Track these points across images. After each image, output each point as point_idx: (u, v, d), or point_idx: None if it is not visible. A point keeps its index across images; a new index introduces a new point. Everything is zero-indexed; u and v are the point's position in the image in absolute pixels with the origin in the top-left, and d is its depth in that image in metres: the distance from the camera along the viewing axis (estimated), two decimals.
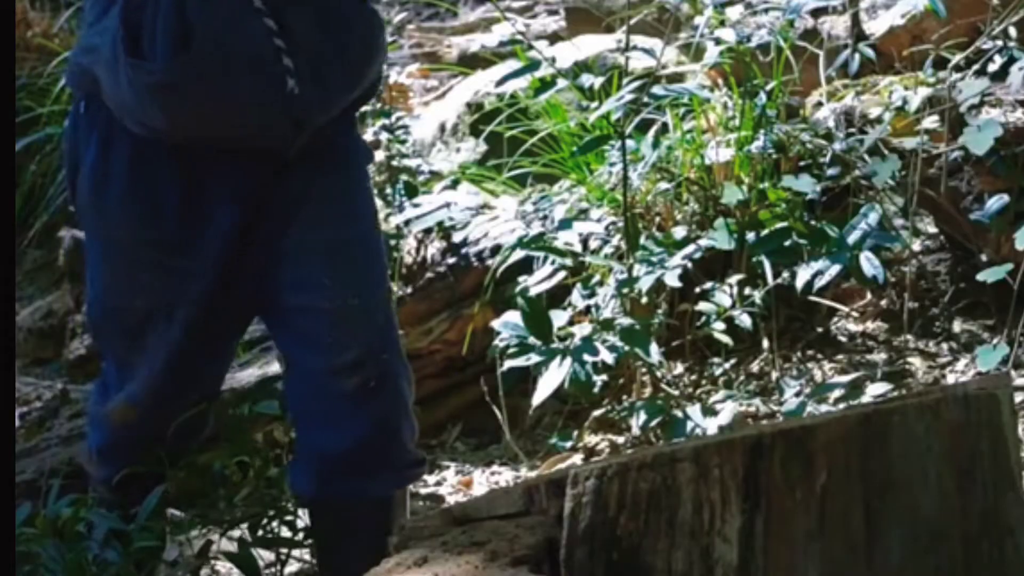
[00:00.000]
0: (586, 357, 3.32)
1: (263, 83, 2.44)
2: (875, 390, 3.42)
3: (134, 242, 2.55)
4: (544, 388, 3.31)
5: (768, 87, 3.93)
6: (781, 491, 1.55)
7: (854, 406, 1.68)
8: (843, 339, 3.91)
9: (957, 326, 3.84)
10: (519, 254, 3.73)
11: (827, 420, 1.60)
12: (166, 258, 2.54)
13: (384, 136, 4.44)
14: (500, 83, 3.87)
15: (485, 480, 3.75)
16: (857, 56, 4.11)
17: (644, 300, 3.72)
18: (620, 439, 3.65)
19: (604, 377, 3.71)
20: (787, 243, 3.64)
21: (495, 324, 3.51)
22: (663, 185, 3.95)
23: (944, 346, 3.79)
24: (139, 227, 2.53)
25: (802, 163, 3.85)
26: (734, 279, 3.64)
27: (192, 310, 2.57)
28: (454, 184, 4.45)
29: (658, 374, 3.72)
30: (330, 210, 2.61)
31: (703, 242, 3.69)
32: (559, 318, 3.46)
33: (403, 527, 1.77)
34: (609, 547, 1.54)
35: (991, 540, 1.62)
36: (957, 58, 3.80)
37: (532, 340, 3.34)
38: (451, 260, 4.08)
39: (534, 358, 3.33)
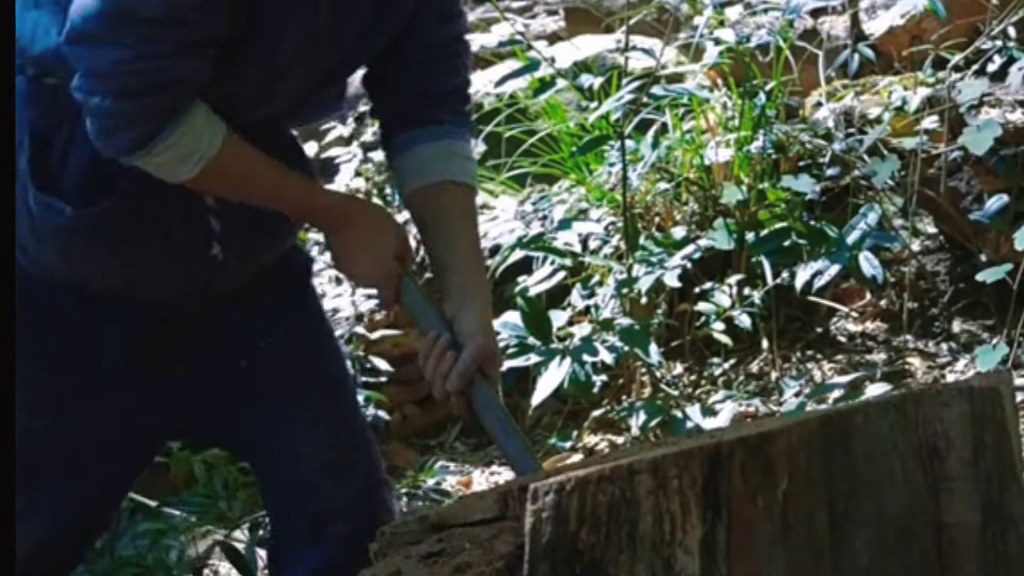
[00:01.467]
0: (585, 357, 3.32)
1: (184, 248, 2.13)
2: (875, 390, 3.42)
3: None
4: (543, 388, 3.31)
5: (767, 87, 3.93)
6: (742, 499, 1.54)
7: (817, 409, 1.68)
8: (843, 339, 3.91)
9: (956, 326, 3.84)
10: (518, 254, 3.73)
11: (787, 425, 1.58)
12: (53, 377, 2.18)
13: None
14: (499, 83, 3.87)
15: (484, 480, 3.75)
16: (856, 56, 4.11)
17: (643, 300, 3.72)
18: (620, 439, 3.65)
19: (604, 377, 3.71)
20: (786, 243, 3.64)
21: (494, 324, 3.51)
22: (662, 185, 3.95)
23: (944, 346, 3.79)
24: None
25: (801, 163, 3.85)
26: (733, 279, 3.64)
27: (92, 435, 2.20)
28: None
29: (657, 374, 3.72)
30: (289, 342, 2.27)
31: (702, 242, 3.69)
32: (558, 318, 3.46)
33: (383, 532, 1.77)
34: (571, 561, 1.53)
35: (995, 531, 1.62)
36: (956, 58, 3.80)
37: (532, 340, 3.34)
38: None
39: (533, 358, 3.33)
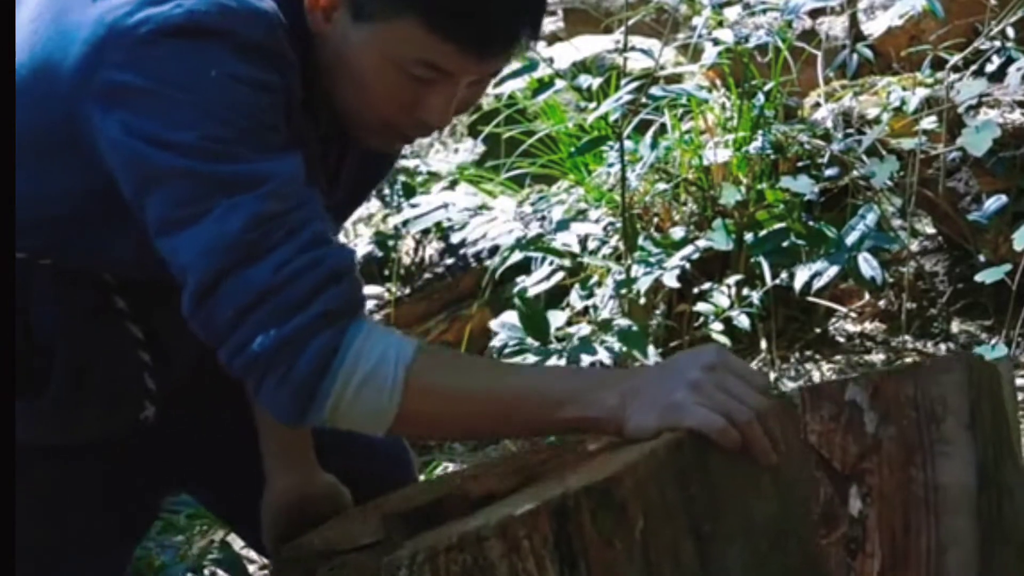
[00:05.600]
0: (584, 358, 3.32)
1: (116, 413, 1.95)
2: None
3: None
4: None
5: (766, 88, 3.93)
6: (599, 547, 1.50)
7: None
8: (841, 340, 3.91)
9: (955, 326, 3.84)
10: (517, 255, 3.73)
11: (633, 462, 1.54)
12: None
13: None
14: (498, 83, 3.87)
15: None
16: (855, 57, 4.11)
17: (642, 301, 3.72)
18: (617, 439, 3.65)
19: None
20: (785, 244, 3.64)
21: (493, 325, 3.51)
22: (661, 186, 3.95)
23: (942, 347, 3.79)
24: None
25: (800, 164, 3.85)
26: (732, 280, 3.64)
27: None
28: (452, 185, 4.46)
29: None
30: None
31: (701, 243, 3.70)
32: (557, 319, 3.46)
33: (280, 555, 1.76)
34: None
35: (990, 496, 1.62)
36: (955, 59, 3.80)
37: (530, 341, 3.34)
38: (449, 261, 4.08)
39: (532, 358, 3.32)
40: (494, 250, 3.97)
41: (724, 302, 3.59)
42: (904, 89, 3.82)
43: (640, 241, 3.71)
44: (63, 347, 1.80)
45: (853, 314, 3.97)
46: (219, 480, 2.22)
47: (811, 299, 3.78)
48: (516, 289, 3.69)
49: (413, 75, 1.73)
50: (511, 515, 1.50)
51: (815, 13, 4.40)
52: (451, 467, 3.83)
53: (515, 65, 3.85)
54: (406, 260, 4.10)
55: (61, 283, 1.81)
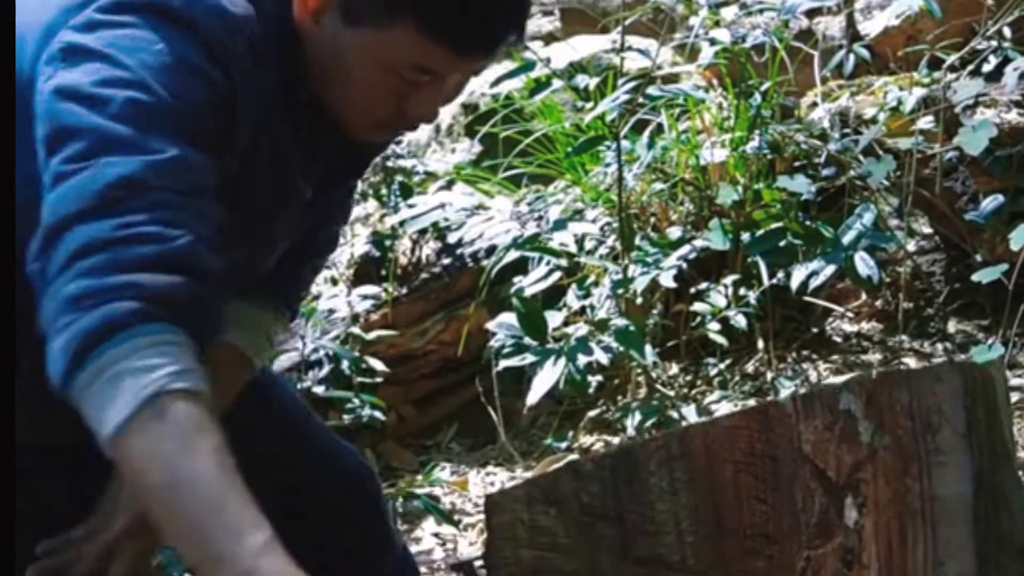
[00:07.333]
0: (581, 358, 3.32)
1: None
2: None
3: None
4: (539, 388, 3.31)
5: (763, 88, 3.93)
6: None
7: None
8: (838, 339, 3.91)
9: (952, 326, 3.84)
10: (514, 255, 3.73)
11: None
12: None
13: None
14: (495, 84, 3.87)
15: (480, 480, 3.75)
16: (852, 56, 4.11)
17: (639, 301, 3.72)
18: (615, 439, 3.65)
19: (599, 378, 3.71)
20: (782, 243, 3.64)
21: (490, 325, 3.51)
22: (658, 186, 3.95)
23: (939, 346, 3.79)
24: None
25: (797, 163, 3.85)
26: (729, 279, 3.64)
27: None
28: (449, 185, 4.46)
29: (653, 375, 3.72)
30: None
31: (698, 242, 3.70)
32: (554, 318, 3.46)
33: None
34: None
35: (987, 504, 1.62)
36: (952, 59, 3.80)
37: (527, 340, 3.34)
38: (446, 261, 4.08)
39: (529, 358, 3.33)
40: (491, 250, 3.96)
41: (721, 302, 3.60)
42: (901, 89, 3.82)
43: (637, 241, 3.71)
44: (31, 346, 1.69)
45: (850, 314, 3.97)
46: None
47: (808, 299, 3.78)
48: (513, 289, 3.69)
49: (404, 77, 1.75)
50: None
51: (812, 13, 4.40)
52: (447, 467, 3.83)
53: (512, 65, 3.85)
54: (403, 260, 4.10)
55: None
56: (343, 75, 1.76)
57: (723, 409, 3.40)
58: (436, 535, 3.51)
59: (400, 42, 1.71)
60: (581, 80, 3.65)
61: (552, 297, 3.76)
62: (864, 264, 3.48)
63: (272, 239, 1.96)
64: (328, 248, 2.21)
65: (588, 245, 3.86)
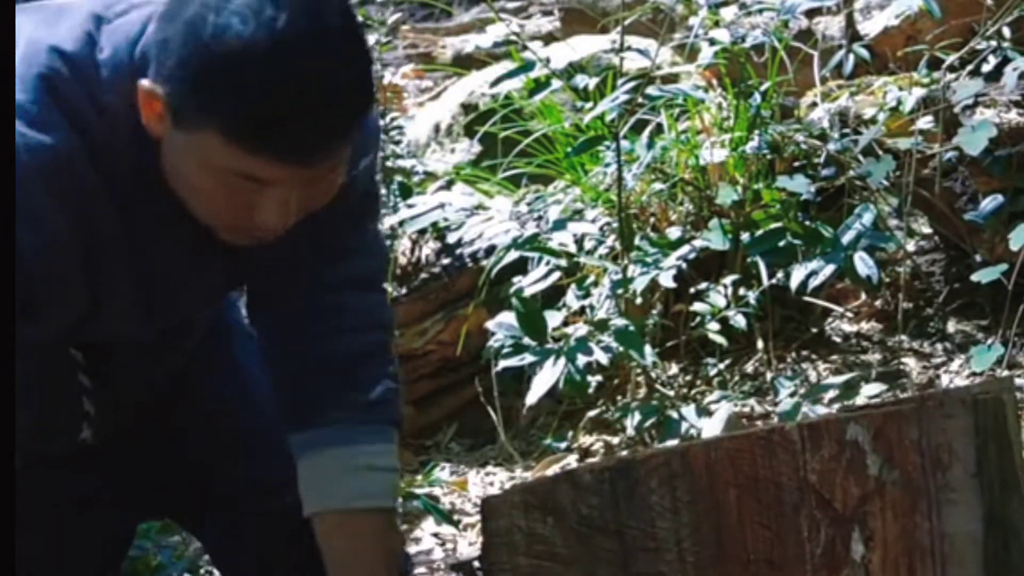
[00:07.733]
0: (580, 358, 3.31)
1: (52, 432, 1.96)
2: (870, 390, 3.42)
3: None
4: (538, 388, 3.30)
5: (763, 88, 3.93)
6: None
7: None
8: (838, 339, 3.91)
9: (952, 326, 3.84)
10: (514, 255, 3.73)
11: None
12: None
13: None
14: (495, 84, 3.87)
15: (480, 481, 3.75)
16: (851, 56, 4.11)
17: (639, 301, 3.71)
18: (615, 440, 3.65)
19: (599, 378, 3.71)
20: (782, 243, 3.64)
21: (490, 325, 3.51)
22: (658, 186, 3.95)
23: (939, 346, 3.79)
24: None
25: (797, 163, 3.85)
26: (729, 279, 3.64)
27: None
28: (449, 185, 4.45)
29: (653, 375, 3.72)
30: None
31: (698, 242, 3.69)
32: (554, 319, 3.46)
33: None
34: None
35: (997, 540, 1.60)
36: (951, 58, 3.80)
37: (527, 340, 3.34)
38: (446, 261, 4.08)
39: (528, 358, 3.32)
40: (491, 250, 3.96)
41: (721, 302, 3.59)
42: (900, 89, 3.82)
43: (637, 241, 3.71)
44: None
45: (850, 314, 3.97)
46: (189, 512, 2.22)
47: (808, 299, 3.78)
48: (513, 289, 3.69)
49: (236, 186, 1.68)
50: None
51: (811, 13, 4.40)
52: (447, 467, 3.83)
53: (511, 65, 3.85)
54: (403, 260, 4.09)
55: None
56: (184, 179, 1.71)
57: (723, 409, 3.39)
58: (436, 535, 3.51)
59: (213, 149, 1.64)
60: (580, 80, 3.65)
61: (551, 297, 3.75)
62: (863, 264, 3.48)
63: (187, 303, 1.94)
64: (336, 247, 2.06)
65: (588, 245, 3.86)
